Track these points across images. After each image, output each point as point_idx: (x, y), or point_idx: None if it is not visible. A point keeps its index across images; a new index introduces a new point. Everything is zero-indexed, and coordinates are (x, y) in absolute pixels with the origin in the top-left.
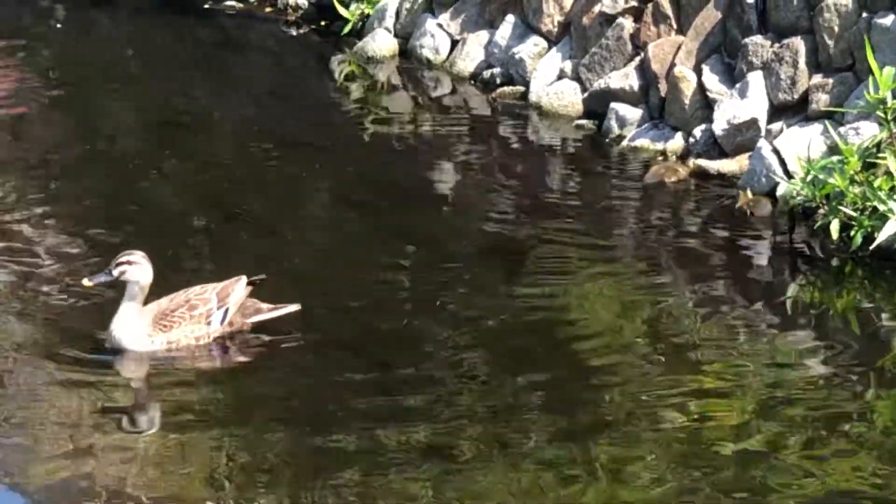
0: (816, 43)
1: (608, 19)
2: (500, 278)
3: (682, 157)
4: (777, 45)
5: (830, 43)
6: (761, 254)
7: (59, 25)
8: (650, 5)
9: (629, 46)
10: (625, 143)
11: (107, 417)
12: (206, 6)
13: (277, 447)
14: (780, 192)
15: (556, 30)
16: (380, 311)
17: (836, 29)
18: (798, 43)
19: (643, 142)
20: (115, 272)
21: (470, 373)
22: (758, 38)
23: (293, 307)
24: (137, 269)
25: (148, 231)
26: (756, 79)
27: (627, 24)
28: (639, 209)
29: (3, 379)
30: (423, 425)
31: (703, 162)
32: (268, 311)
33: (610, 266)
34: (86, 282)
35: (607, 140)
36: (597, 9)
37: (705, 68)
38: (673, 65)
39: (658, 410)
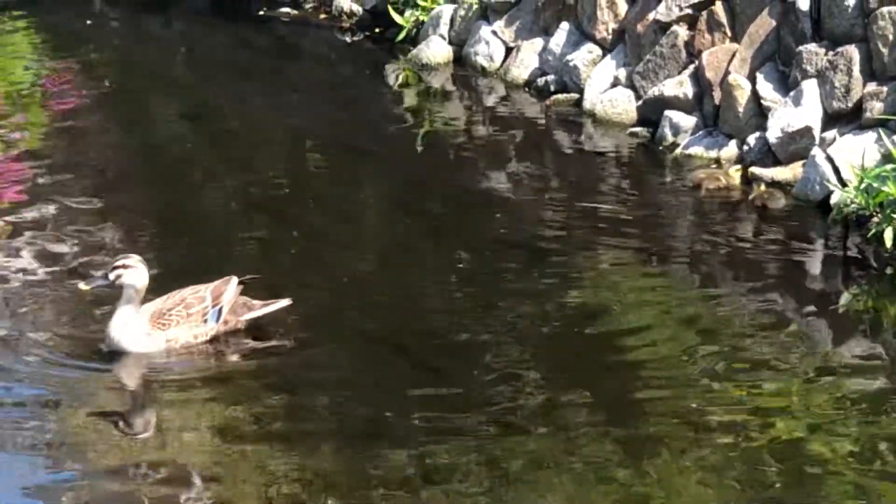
0: (871, 51)
1: (662, 27)
2: (552, 285)
3: (737, 164)
4: (831, 53)
5: (885, 51)
6: (815, 262)
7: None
8: (705, 13)
9: (683, 54)
10: (679, 150)
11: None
12: (261, 13)
13: (328, 454)
14: (833, 200)
15: (610, 37)
16: (431, 317)
17: (891, 37)
18: (852, 51)
19: (697, 149)
20: (112, 276)
21: (520, 381)
22: (812, 46)
23: (284, 302)
24: (133, 273)
25: (200, 236)
26: (810, 87)
27: (682, 31)
28: (692, 217)
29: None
30: (473, 433)
31: (756, 170)
32: (260, 308)
33: (663, 275)
34: (82, 286)
35: (661, 148)
36: (651, 16)
37: (759, 76)
38: (727, 72)
39: (711, 421)
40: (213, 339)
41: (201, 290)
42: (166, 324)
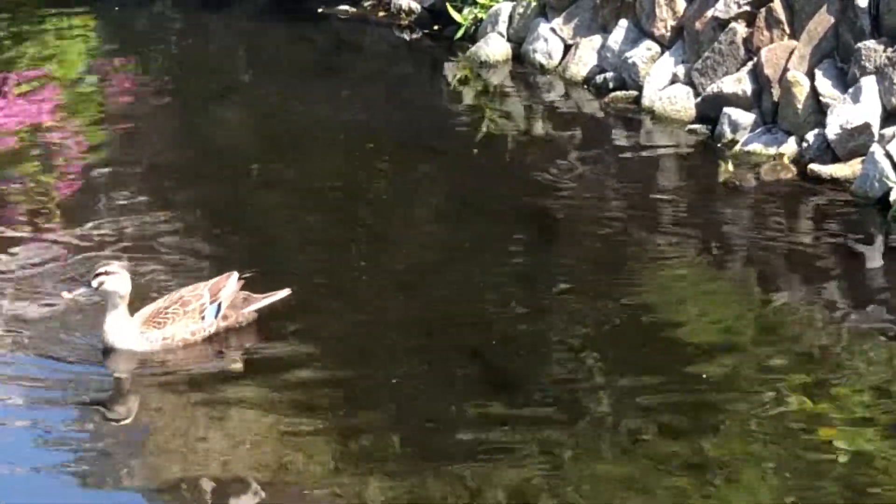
0: None
1: (721, 24)
2: (612, 282)
3: (795, 161)
4: (890, 49)
5: None
6: (874, 259)
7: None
8: (763, 10)
9: (742, 51)
10: (737, 147)
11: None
12: (320, 10)
13: (394, 443)
14: (893, 196)
15: (668, 34)
16: (492, 315)
17: None
18: None
19: (756, 146)
20: (94, 283)
21: (582, 376)
22: (871, 43)
23: (283, 292)
24: (116, 279)
25: (259, 233)
26: (869, 83)
27: (740, 28)
28: (752, 214)
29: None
30: (534, 426)
31: (815, 167)
32: (261, 300)
33: (722, 272)
34: (65, 294)
35: (720, 145)
36: (710, 13)
37: (818, 73)
38: (786, 69)
39: (772, 415)
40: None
41: (199, 288)
42: (162, 322)
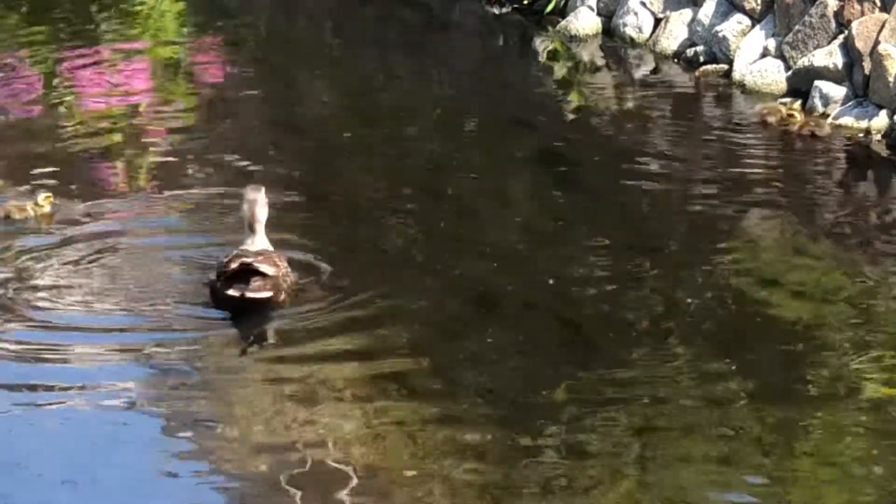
0: None
1: None
2: (703, 258)
3: (887, 135)
4: None
5: None
6: None
7: None
8: None
9: (833, 24)
10: (829, 120)
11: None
12: None
13: (479, 424)
14: None
15: (759, 7)
16: (582, 291)
17: None
18: None
19: (847, 120)
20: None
21: (672, 354)
22: None
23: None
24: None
25: (348, 211)
26: None
27: (831, 1)
28: (843, 188)
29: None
30: (625, 406)
31: None
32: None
33: (815, 244)
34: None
35: (811, 119)
36: None
37: None
38: (877, 42)
39: (865, 395)
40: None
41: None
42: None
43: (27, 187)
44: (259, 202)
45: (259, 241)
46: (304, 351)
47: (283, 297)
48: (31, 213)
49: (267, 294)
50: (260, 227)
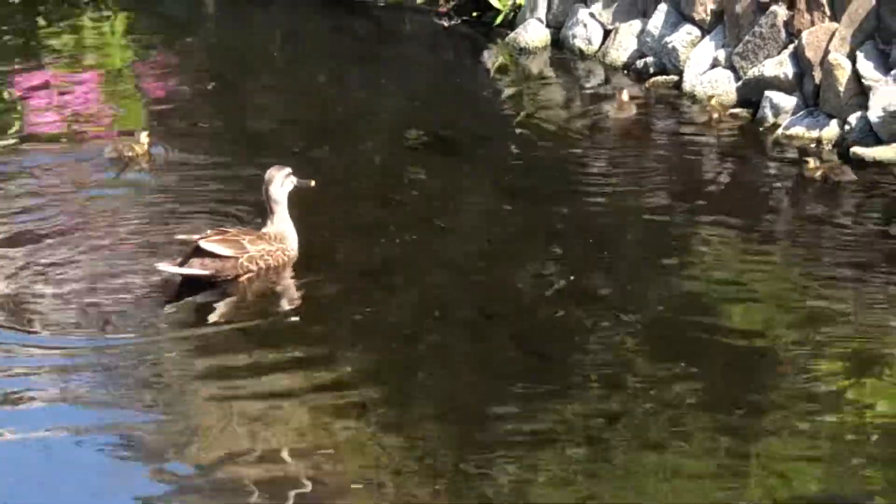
0: None
1: (761, 7)
2: (655, 268)
3: (837, 144)
4: None
5: None
6: None
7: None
8: None
9: (783, 34)
10: (780, 131)
11: None
12: None
13: (436, 433)
14: None
15: (709, 18)
16: (536, 303)
17: None
18: None
19: (798, 130)
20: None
21: (626, 365)
22: None
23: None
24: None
25: (301, 225)
26: None
27: (781, 11)
28: (795, 198)
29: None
30: (577, 416)
31: (858, 149)
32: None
33: (766, 254)
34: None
35: (762, 129)
36: None
37: (860, 55)
38: (827, 52)
39: (816, 404)
40: None
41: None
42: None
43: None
44: (273, 182)
45: (277, 221)
46: (258, 360)
47: (245, 274)
48: (136, 151)
49: (202, 272)
50: (277, 206)
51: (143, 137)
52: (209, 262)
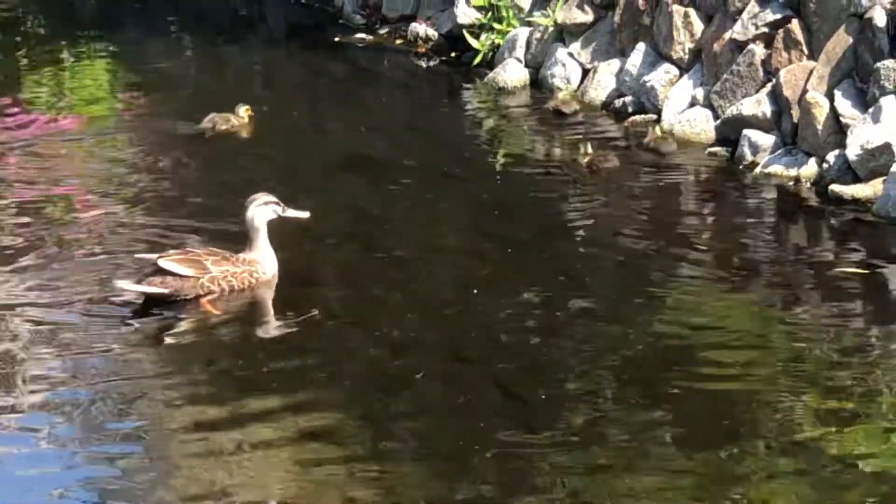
0: None
1: (739, 46)
2: (633, 307)
3: (816, 182)
4: None
5: None
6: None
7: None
8: (781, 31)
9: (761, 72)
10: (758, 169)
11: None
12: (337, 39)
13: (413, 480)
14: None
15: (687, 57)
16: (515, 342)
17: None
18: None
19: (777, 168)
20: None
21: (601, 404)
22: (890, 63)
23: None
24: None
25: (280, 262)
26: (889, 103)
27: (759, 50)
28: (773, 236)
29: None
30: (555, 466)
31: (837, 187)
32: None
33: (745, 291)
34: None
35: (740, 167)
36: (727, 35)
37: (837, 93)
38: (805, 90)
39: (797, 442)
40: None
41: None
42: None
43: None
44: (253, 209)
45: (255, 248)
46: (237, 404)
47: (207, 295)
48: (235, 122)
49: (158, 290)
50: (257, 233)
51: (243, 112)
52: (169, 281)
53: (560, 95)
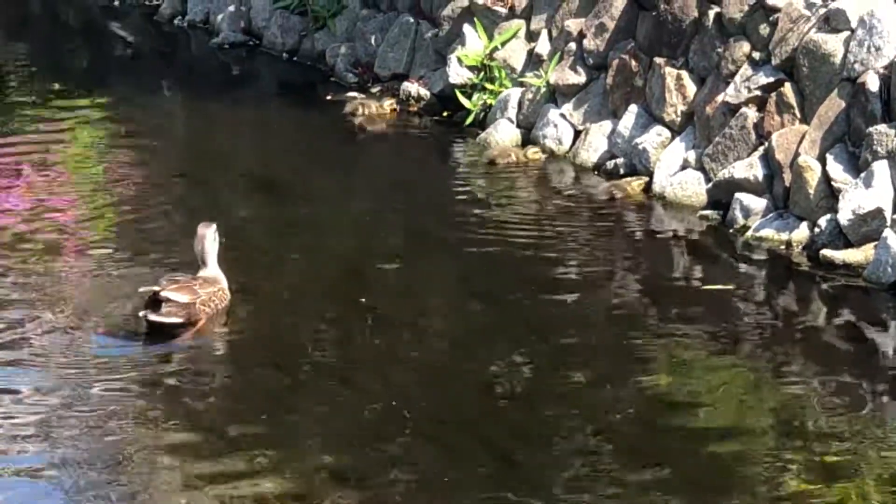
0: None
1: (732, 109)
2: (625, 370)
3: (807, 247)
4: None
5: None
6: (887, 345)
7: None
8: (774, 95)
9: (753, 136)
10: (749, 233)
11: None
12: (328, 97)
13: None
14: None
15: (679, 119)
16: (503, 402)
17: None
18: None
19: (768, 232)
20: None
21: (595, 469)
22: (882, 127)
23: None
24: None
25: (267, 321)
26: (881, 168)
27: (751, 113)
28: (765, 300)
29: None
30: None
31: (828, 252)
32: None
33: (735, 356)
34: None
35: (732, 230)
36: (720, 98)
37: (829, 157)
38: (797, 154)
39: (783, 497)
40: None
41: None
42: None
43: None
44: (207, 237)
45: (210, 271)
46: (217, 466)
47: (202, 319)
48: (376, 111)
49: (175, 319)
50: (209, 258)
51: (387, 105)
52: (174, 310)
53: (496, 148)
